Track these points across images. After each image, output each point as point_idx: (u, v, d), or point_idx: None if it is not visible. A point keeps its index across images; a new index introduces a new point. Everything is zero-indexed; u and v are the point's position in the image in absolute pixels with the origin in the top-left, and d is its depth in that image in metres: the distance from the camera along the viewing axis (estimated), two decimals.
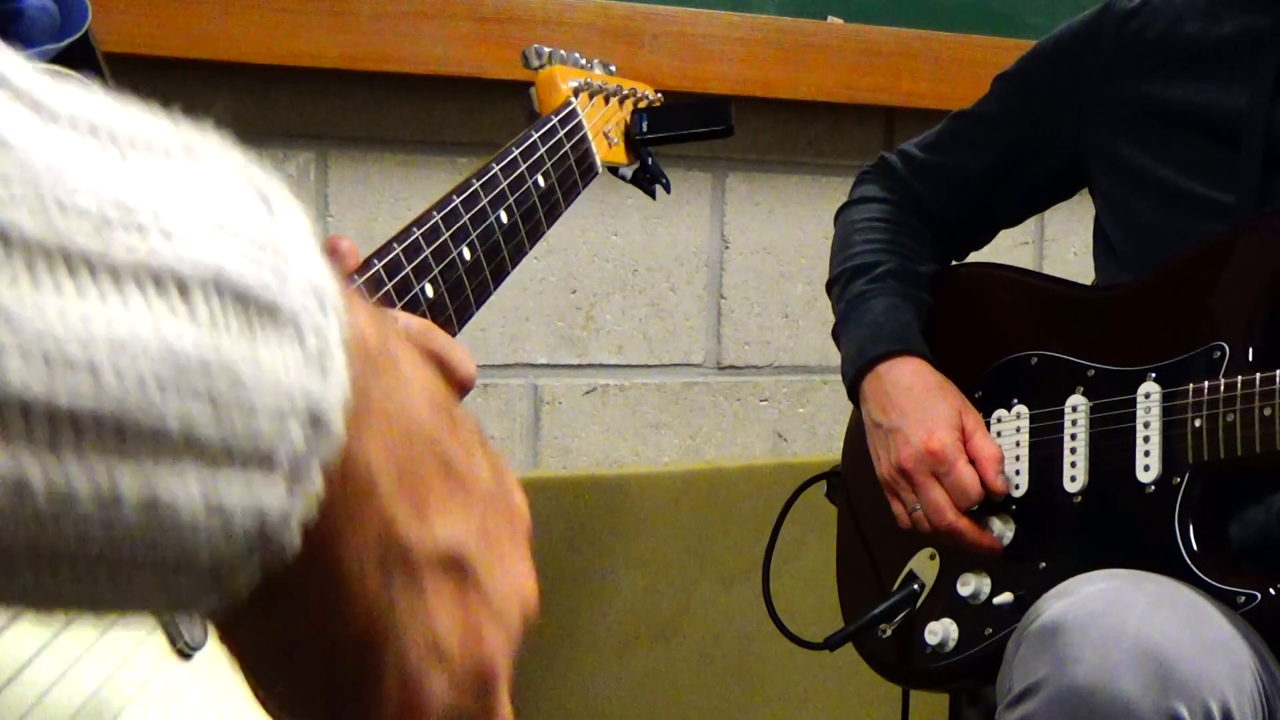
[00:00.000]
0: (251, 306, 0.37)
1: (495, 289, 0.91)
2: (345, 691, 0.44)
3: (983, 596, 1.52)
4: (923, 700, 1.84)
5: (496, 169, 0.95)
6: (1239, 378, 1.36)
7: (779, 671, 2.12)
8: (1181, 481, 1.40)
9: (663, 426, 2.11)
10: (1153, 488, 1.42)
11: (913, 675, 1.60)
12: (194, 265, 0.36)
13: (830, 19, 2.13)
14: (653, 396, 2.10)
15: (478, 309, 0.89)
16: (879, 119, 2.21)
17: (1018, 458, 1.53)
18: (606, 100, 1.20)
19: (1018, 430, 1.54)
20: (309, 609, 0.42)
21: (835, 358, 1.67)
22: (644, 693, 2.06)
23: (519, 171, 0.97)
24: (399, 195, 1.93)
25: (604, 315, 2.07)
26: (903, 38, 2.14)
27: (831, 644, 1.61)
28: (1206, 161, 1.48)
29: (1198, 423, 1.39)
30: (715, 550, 2.08)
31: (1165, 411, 1.42)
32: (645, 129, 1.26)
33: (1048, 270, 2.25)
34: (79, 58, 0.65)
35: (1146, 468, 1.42)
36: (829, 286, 1.71)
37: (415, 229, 0.84)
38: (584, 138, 1.10)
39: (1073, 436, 1.49)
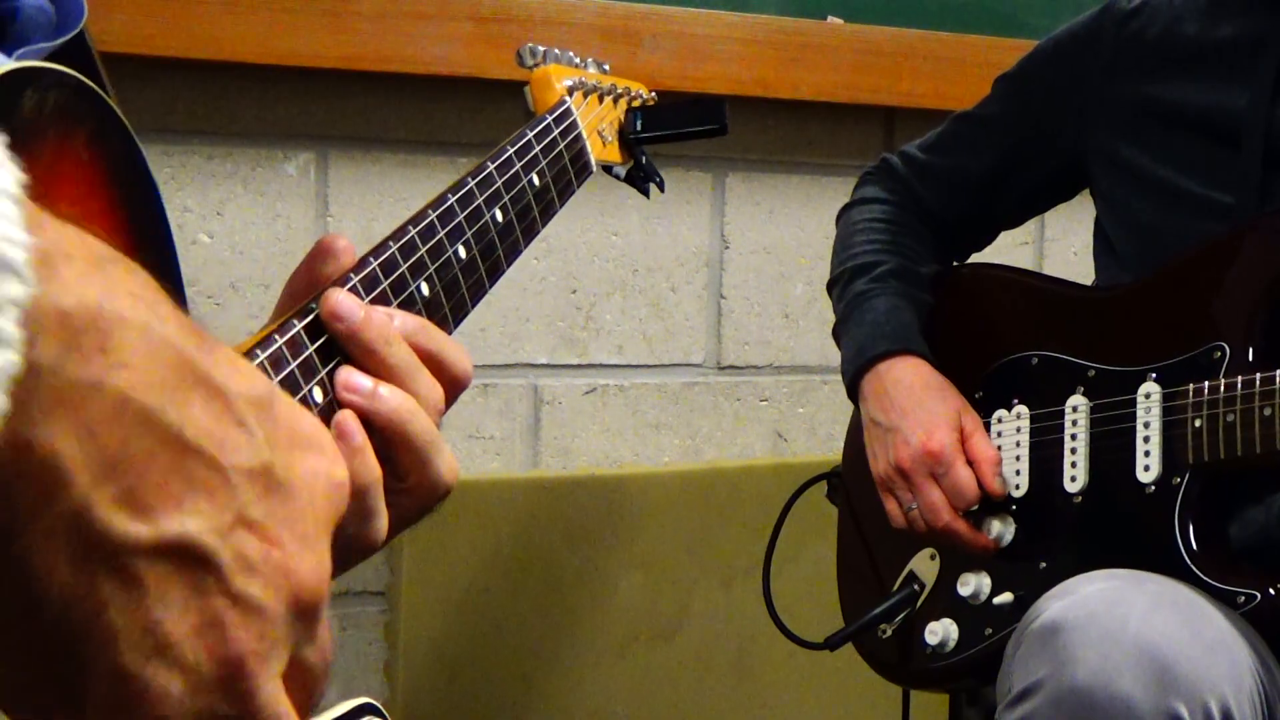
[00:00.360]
0: None
1: (491, 287, 0.91)
2: (58, 686, 0.42)
3: (983, 596, 1.52)
4: (923, 700, 1.84)
5: (492, 167, 0.95)
6: (1239, 378, 1.36)
7: (779, 671, 2.12)
8: (1181, 481, 1.40)
9: (663, 426, 2.11)
10: (1153, 488, 1.42)
11: (913, 675, 1.60)
12: None
13: (830, 19, 2.13)
14: (653, 396, 2.10)
15: (473, 307, 0.89)
16: (879, 119, 2.21)
17: (1018, 458, 1.53)
18: (601, 99, 1.20)
19: (1018, 430, 1.54)
20: (4, 597, 0.40)
21: (835, 358, 1.67)
22: (644, 693, 2.06)
23: (514, 170, 0.97)
24: (399, 195, 1.93)
25: (604, 315, 2.07)
26: (903, 38, 2.14)
27: (831, 644, 1.61)
28: (1206, 162, 1.48)
29: (1198, 423, 1.38)
30: (715, 550, 2.08)
31: (1165, 412, 1.42)
32: (640, 128, 1.26)
33: (1048, 270, 2.25)
34: (75, 56, 0.65)
35: (1146, 468, 1.42)
36: (830, 286, 1.71)
37: (411, 227, 0.84)
38: (578, 136, 1.10)
39: (1073, 437, 1.49)
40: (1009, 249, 2.17)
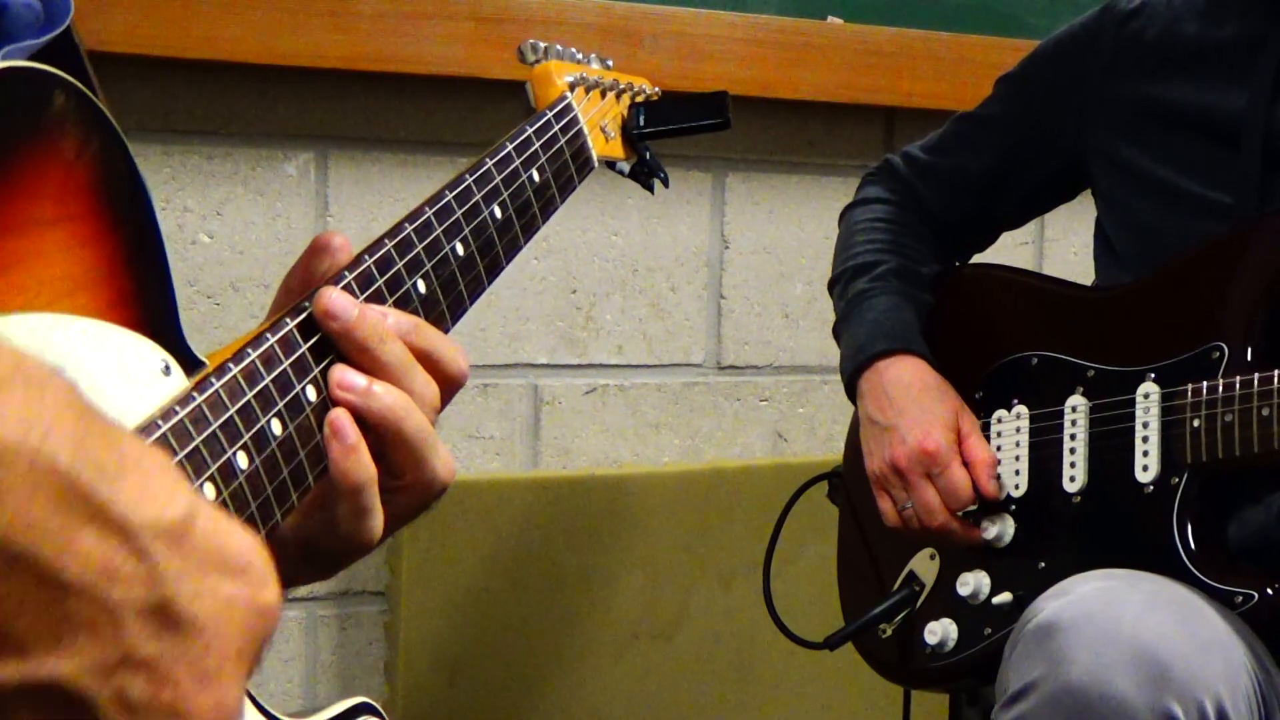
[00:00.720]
0: None
1: (489, 284, 0.90)
2: None
3: (982, 596, 1.52)
4: (923, 700, 1.84)
5: (490, 164, 0.95)
6: (1238, 378, 1.36)
7: (779, 671, 2.11)
8: (1180, 481, 1.40)
9: (663, 426, 2.11)
10: (1151, 488, 1.41)
11: (913, 675, 1.60)
12: None
13: (830, 19, 2.13)
14: (653, 396, 2.10)
15: (471, 304, 0.89)
16: (879, 119, 2.21)
17: (1017, 458, 1.53)
18: (603, 95, 1.20)
19: (1018, 430, 1.54)
20: None
21: (835, 358, 1.67)
22: (644, 693, 2.06)
23: (513, 166, 0.97)
24: (399, 195, 1.93)
25: (604, 315, 2.07)
26: (903, 38, 2.14)
27: (831, 644, 1.61)
28: (1206, 162, 1.48)
29: (1196, 423, 1.38)
30: (715, 550, 2.08)
31: (1164, 412, 1.42)
32: (642, 123, 1.26)
33: (1048, 270, 2.25)
34: (62, 53, 0.65)
35: (1145, 468, 1.42)
36: (830, 285, 1.71)
37: (407, 224, 0.84)
38: (579, 132, 1.09)
39: (1072, 437, 1.49)
40: (1009, 249, 2.17)
